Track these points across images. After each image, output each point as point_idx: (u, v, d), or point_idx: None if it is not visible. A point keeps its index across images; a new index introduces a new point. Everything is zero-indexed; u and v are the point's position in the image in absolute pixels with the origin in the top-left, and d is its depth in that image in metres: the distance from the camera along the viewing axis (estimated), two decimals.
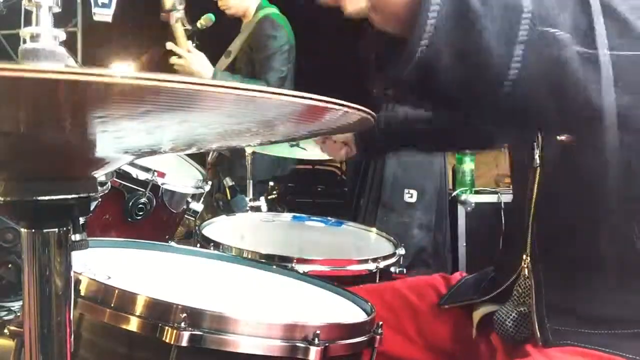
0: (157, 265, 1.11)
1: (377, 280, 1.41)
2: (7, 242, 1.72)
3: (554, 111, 0.69)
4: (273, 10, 3.02)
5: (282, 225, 1.91)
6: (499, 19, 0.63)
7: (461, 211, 2.99)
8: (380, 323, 0.88)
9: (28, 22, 0.53)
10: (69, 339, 0.57)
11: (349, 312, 0.99)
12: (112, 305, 0.77)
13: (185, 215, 1.88)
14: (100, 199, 0.58)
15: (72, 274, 0.57)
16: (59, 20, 0.56)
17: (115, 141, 0.51)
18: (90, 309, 0.78)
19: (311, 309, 1.02)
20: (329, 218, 1.91)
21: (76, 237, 0.57)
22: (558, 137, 0.89)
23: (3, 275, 1.75)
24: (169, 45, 2.49)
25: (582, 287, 0.90)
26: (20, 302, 0.57)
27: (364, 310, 0.98)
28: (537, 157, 0.95)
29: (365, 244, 1.75)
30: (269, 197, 2.73)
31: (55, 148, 0.49)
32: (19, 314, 1.71)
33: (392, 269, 1.47)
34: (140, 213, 1.57)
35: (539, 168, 0.95)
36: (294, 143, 2.08)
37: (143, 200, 1.57)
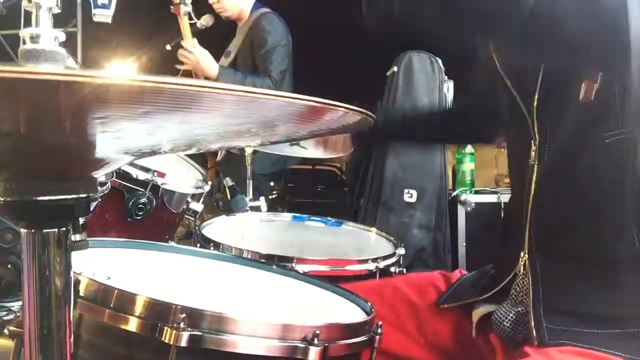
0: (157, 265, 1.11)
1: None
2: (7, 243, 1.72)
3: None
4: (267, 10, 3.05)
5: (282, 225, 1.91)
6: None
7: (461, 211, 2.98)
8: (380, 323, 0.88)
9: (28, 23, 0.53)
10: (69, 339, 0.57)
11: (348, 312, 0.99)
12: (112, 305, 0.77)
13: (185, 215, 1.88)
14: (100, 199, 0.58)
15: (71, 274, 0.57)
16: (59, 21, 0.56)
17: (115, 142, 0.51)
18: (90, 309, 0.78)
19: (311, 309, 1.02)
20: (329, 218, 1.91)
21: (76, 237, 0.57)
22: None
23: (3, 276, 1.75)
24: (184, 43, 2.55)
25: (579, 286, 0.90)
26: (20, 302, 0.57)
27: (364, 310, 0.98)
28: (533, 154, 0.95)
29: (365, 244, 1.75)
30: (269, 197, 2.73)
31: (55, 148, 0.49)
32: (19, 314, 1.71)
33: (392, 269, 1.47)
34: (140, 213, 1.57)
35: (535, 165, 0.95)
36: (294, 142, 2.08)
37: (143, 200, 1.57)
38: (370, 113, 0.50)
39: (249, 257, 1.30)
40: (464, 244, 2.98)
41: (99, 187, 0.58)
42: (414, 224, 2.96)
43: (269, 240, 1.71)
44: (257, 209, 2.02)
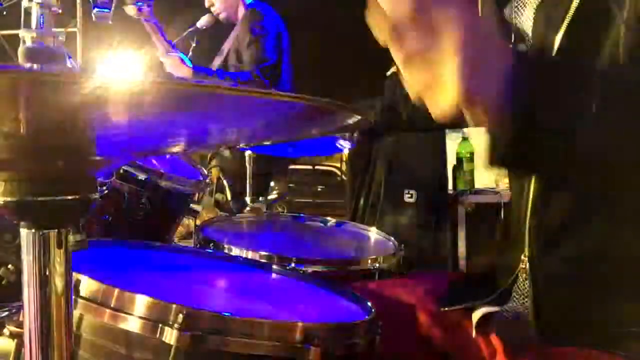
0: (157, 265, 1.11)
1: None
2: (7, 243, 1.72)
3: None
4: (258, 4, 3.02)
5: (282, 225, 1.91)
6: None
7: (461, 211, 2.99)
8: (380, 323, 0.88)
9: (28, 23, 0.53)
10: (69, 339, 0.57)
11: (348, 312, 0.99)
12: (112, 305, 0.77)
13: (185, 215, 1.88)
14: (100, 199, 0.58)
15: (71, 274, 0.57)
16: (59, 21, 0.56)
17: (115, 142, 0.51)
18: (90, 309, 0.78)
19: (311, 309, 1.02)
20: (329, 218, 1.91)
21: (76, 237, 0.57)
22: None
23: (3, 276, 1.75)
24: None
25: (580, 287, 0.90)
26: (20, 302, 0.57)
27: (364, 310, 0.98)
28: None
29: (365, 244, 1.75)
30: (269, 197, 2.73)
31: (55, 148, 0.49)
32: (19, 314, 1.71)
33: (392, 269, 1.47)
34: (140, 213, 1.57)
35: None
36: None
37: (143, 200, 1.57)
38: (369, 113, 0.50)
39: (249, 257, 1.30)
40: (464, 244, 2.98)
41: (99, 187, 0.58)
42: (414, 224, 2.96)
43: (269, 240, 1.71)
44: (257, 209, 2.03)
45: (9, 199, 0.52)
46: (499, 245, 1.10)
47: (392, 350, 1.08)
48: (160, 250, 1.18)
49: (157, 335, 0.73)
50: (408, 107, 1.39)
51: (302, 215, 1.96)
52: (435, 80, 0.61)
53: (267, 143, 1.58)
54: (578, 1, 0.85)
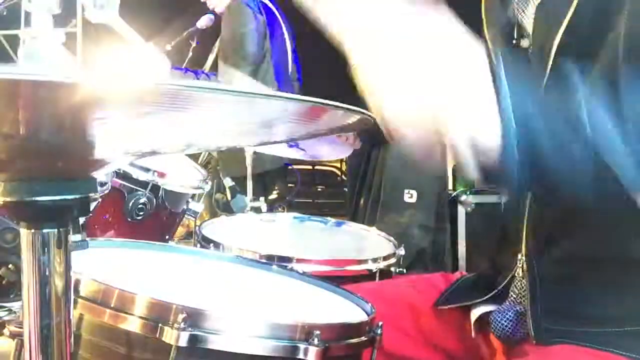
0: (157, 265, 1.11)
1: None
2: (7, 243, 1.72)
3: None
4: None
5: (282, 225, 1.91)
6: None
7: (461, 211, 2.98)
8: (381, 323, 0.88)
9: (28, 23, 0.53)
10: (69, 339, 0.57)
11: (349, 312, 0.99)
12: (112, 305, 0.77)
13: (185, 215, 1.88)
14: (100, 199, 0.58)
15: (71, 274, 0.57)
16: (59, 21, 0.56)
17: (115, 142, 0.51)
18: (90, 309, 0.78)
19: (311, 309, 1.02)
20: (329, 218, 1.91)
21: (76, 237, 0.57)
22: None
23: (3, 276, 1.75)
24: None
25: (577, 286, 0.90)
26: (20, 302, 0.57)
27: (364, 310, 0.98)
28: None
29: (365, 244, 1.75)
30: (269, 197, 2.73)
31: (55, 149, 0.49)
32: (19, 314, 1.71)
33: (392, 269, 1.47)
34: (140, 213, 1.58)
35: None
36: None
37: (143, 200, 1.57)
38: (370, 113, 0.50)
39: (249, 257, 1.30)
40: (464, 244, 2.98)
41: (99, 187, 0.58)
42: (414, 224, 2.96)
43: (269, 240, 1.71)
44: (257, 209, 2.03)
45: (9, 199, 0.52)
46: (497, 245, 1.10)
47: (392, 350, 1.09)
48: (160, 250, 1.18)
49: (157, 335, 0.73)
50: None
51: (302, 215, 1.96)
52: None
53: (268, 143, 1.58)
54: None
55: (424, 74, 0.65)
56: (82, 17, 4.47)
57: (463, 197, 2.99)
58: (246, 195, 2.14)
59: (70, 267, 0.57)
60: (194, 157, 2.49)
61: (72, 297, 0.58)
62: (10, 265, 1.71)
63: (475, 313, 1.05)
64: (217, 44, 3.07)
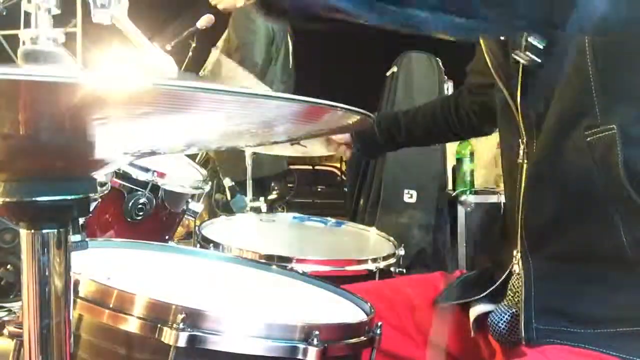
0: (156, 266, 1.11)
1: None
2: (7, 243, 1.73)
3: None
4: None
5: (282, 225, 1.91)
6: None
7: (461, 211, 2.98)
8: (380, 323, 0.88)
9: (28, 24, 0.53)
10: (68, 339, 0.57)
11: (348, 312, 0.99)
12: (111, 305, 0.77)
13: (185, 216, 1.88)
14: (100, 199, 0.58)
15: (71, 274, 0.57)
16: (59, 21, 0.56)
17: (115, 142, 0.51)
18: (90, 309, 0.78)
19: (311, 309, 1.02)
20: (329, 218, 1.91)
21: (76, 237, 0.57)
22: None
23: (3, 276, 1.75)
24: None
25: (570, 286, 0.90)
26: (20, 303, 0.57)
27: (364, 310, 0.98)
28: (522, 153, 0.96)
29: (365, 244, 1.75)
30: (269, 197, 2.73)
31: (55, 149, 0.49)
32: (18, 314, 1.71)
33: (392, 269, 1.47)
34: (140, 213, 1.57)
35: (524, 165, 0.95)
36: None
37: (143, 200, 1.57)
38: (369, 113, 0.50)
39: (249, 257, 1.30)
40: (464, 244, 2.98)
41: (99, 187, 0.58)
42: (414, 224, 2.96)
43: (269, 240, 1.71)
44: (257, 209, 2.03)
45: (8, 199, 0.52)
46: (496, 244, 1.10)
47: (392, 350, 1.09)
48: (160, 250, 1.18)
49: (157, 336, 0.73)
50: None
51: (302, 215, 1.96)
52: None
53: (268, 143, 1.58)
54: None
55: None
56: (82, 17, 4.47)
57: (463, 197, 2.99)
58: (246, 196, 2.13)
59: (69, 267, 0.57)
60: (192, 158, 2.49)
61: (72, 297, 0.58)
62: (9, 266, 1.71)
63: (474, 312, 1.05)
64: (219, 43, 3.06)
